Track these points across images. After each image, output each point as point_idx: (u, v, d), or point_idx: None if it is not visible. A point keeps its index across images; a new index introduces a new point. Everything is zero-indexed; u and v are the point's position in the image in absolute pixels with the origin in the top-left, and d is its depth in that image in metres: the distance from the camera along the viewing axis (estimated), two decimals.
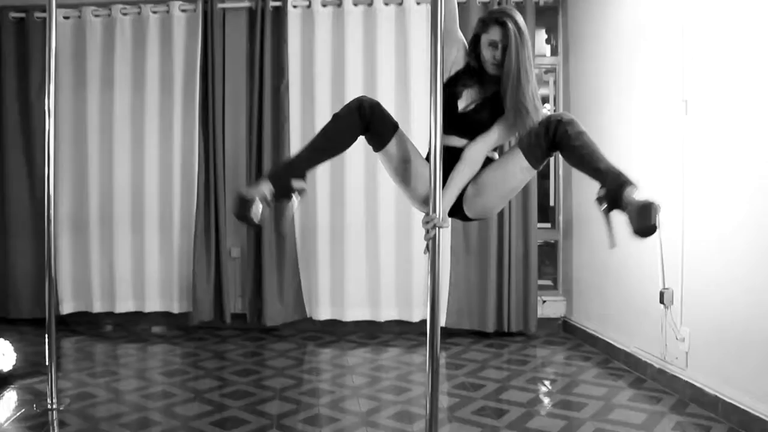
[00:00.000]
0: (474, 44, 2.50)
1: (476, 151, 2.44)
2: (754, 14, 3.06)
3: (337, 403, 3.49)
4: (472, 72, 2.52)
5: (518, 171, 2.41)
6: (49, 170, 3.42)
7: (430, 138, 2.28)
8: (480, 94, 2.48)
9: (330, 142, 2.43)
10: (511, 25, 2.35)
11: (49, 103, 3.42)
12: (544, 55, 5.54)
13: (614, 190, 2.18)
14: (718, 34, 3.33)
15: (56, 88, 3.47)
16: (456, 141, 2.46)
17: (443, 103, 2.34)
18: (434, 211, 2.25)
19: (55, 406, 3.34)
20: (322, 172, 5.08)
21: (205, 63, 5.16)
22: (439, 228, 2.26)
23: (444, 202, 2.33)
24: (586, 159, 2.28)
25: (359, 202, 5.06)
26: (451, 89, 2.49)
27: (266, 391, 3.67)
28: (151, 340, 4.89)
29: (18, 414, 3.24)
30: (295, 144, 5.09)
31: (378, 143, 2.46)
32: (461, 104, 2.48)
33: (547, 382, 3.94)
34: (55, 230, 3.41)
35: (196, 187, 5.13)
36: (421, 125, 4.98)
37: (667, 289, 3.71)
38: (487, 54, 2.43)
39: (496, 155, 2.55)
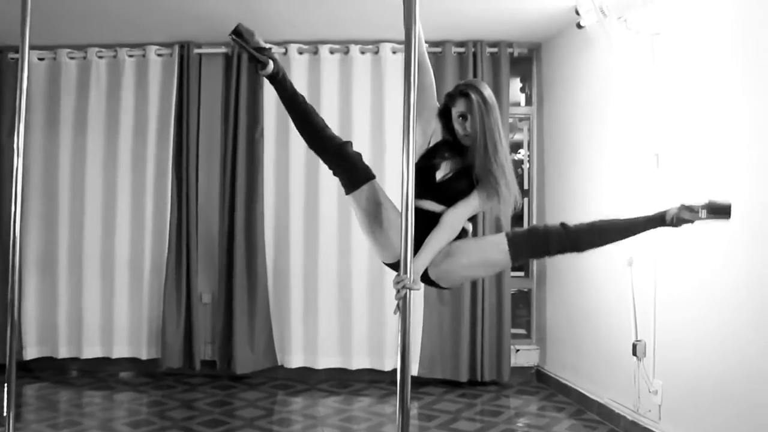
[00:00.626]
0: (445, 117, 2.49)
1: (456, 216, 2.40)
2: (723, 71, 3.13)
3: None
4: (450, 143, 2.49)
5: (495, 250, 2.40)
6: (16, 210, 3.33)
7: (402, 194, 2.24)
8: (457, 164, 2.45)
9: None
10: (474, 96, 2.35)
11: (19, 142, 3.35)
12: (519, 104, 5.60)
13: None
14: (688, 89, 3.40)
15: (28, 128, 3.44)
16: (433, 206, 2.42)
17: (422, 172, 2.33)
18: (405, 272, 2.21)
19: None
20: (295, 218, 5.05)
21: (180, 108, 5.15)
22: (409, 290, 2.20)
23: (417, 263, 2.27)
24: (610, 232, 2.64)
25: (332, 249, 5.03)
26: (429, 160, 2.46)
27: None
28: (117, 388, 4.77)
29: None
30: (269, 192, 5.07)
31: (351, 180, 2.44)
32: (439, 174, 2.44)
33: None
34: (21, 272, 3.34)
35: (167, 231, 5.07)
36: (395, 173, 4.98)
37: (639, 341, 3.71)
38: (458, 126, 2.43)
39: (470, 226, 2.52)
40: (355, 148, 4.89)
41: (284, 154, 5.10)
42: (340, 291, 5.00)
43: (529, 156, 5.48)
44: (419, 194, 2.31)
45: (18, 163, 3.37)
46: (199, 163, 5.17)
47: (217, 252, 5.16)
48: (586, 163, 4.49)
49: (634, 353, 3.72)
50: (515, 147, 5.64)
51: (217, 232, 5.17)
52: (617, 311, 3.97)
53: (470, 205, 2.42)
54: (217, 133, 5.21)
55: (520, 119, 5.65)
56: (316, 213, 5.03)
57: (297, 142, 5.07)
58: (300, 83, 5.07)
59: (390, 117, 5.02)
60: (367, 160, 5.05)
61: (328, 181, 5.01)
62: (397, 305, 2.19)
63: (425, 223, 2.37)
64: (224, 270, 5.08)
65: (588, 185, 4.45)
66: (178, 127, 5.15)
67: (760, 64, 2.89)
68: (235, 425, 3.93)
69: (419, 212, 2.31)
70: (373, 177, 2.44)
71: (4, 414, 3.28)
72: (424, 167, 2.42)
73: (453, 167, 2.45)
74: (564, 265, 4.73)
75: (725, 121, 3.11)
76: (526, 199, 5.42)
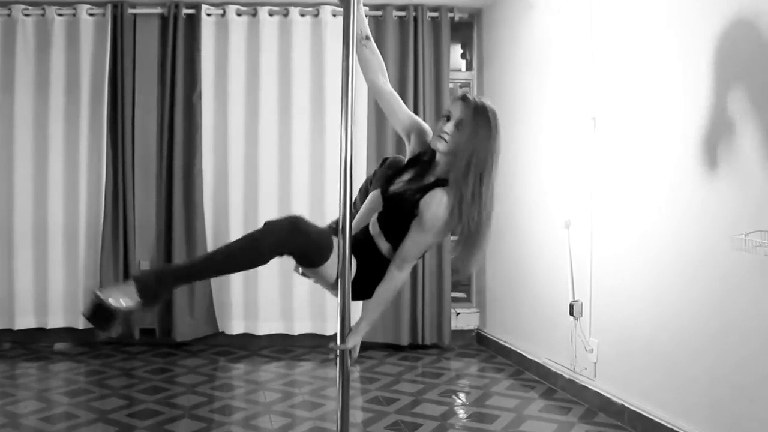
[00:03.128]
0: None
1: (388, 290, 2.26)
2: (659, 35, 3.18)
3: (248, 421, 3.41)
4: (422, 161, 2.35)
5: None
6: None
7: (341, 164, 2.21)
8: (414, 184, 2.29)
9: (235, 265, 2.20)
10: (473, 100, 2.22)
11: None
12: (459, 70, 5.61)
13: None
14: (624, 54, 3.45)
15: None
16: (376, 232, 2.29)
17: (383, 175, 2.30)
18: (342, 341, 2.19)
19: None
20: (234, 182, 4.99)
21: (114, 69, 4.98)
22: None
23: (356, 337, 2.21)
24: None
25: (272, 212, 4.98)
26: (393, 171, 2.36)
27: (176, 410, 3.55)
28: (53, 359, 4.65)
29: None
30: (208, 154, 4.98)
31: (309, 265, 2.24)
32: (393, 187, 2.32)
33: (461, 395, 3.97)
34: None
35: (103, 196, 4.93)
36: (335, 138, 4.96)
37: (576, 301, 3.81)
38: (438, 125, 2.25)
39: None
40: (294, 113, 4.88)
41: (222, 117, 5.01)
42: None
43: None
44: (373, 185, 2.30)
45: None
46: (135, 128, 5.04)
47: (154, 218, 5.06)
48: (526, 127, 4.54)
49: (571, 313, 3.81)
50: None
51: (154, 198, 5.06)
52: (555, 273, 4.06)
53: (417, 242, 2.22)
54: (154, 97, 5.08)
55: (461, 85, 5.67)
56: (255, 176, 4.98)
57: (236, 105, 5.01)
58: (238, 46, 5.00)
59: (330, 82, 4.97)
60: (306, 127, 5.05)
61: (269, 144, 4.98)
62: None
63: (364, 240, 2.28)
64: (162, 236, 5.00)
65: (527, 149, 4.51)
66: (113, 90, 4.99)
67: (693, 32, 2.94)
68: (177, 392, 3.89)
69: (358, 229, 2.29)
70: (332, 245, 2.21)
71: None
72: (387, 173, 2.35)
73: (408, 185, 2.29)
74: (503, 229, 4.79)
75: (660, 86, 3.17)
76: None
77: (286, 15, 5.04)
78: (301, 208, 4.93)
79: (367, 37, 2.45)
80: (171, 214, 4.96)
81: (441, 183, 2.20)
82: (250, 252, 2.10)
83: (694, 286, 2.93)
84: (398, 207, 2.24)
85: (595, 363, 3.68)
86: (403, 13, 5.08)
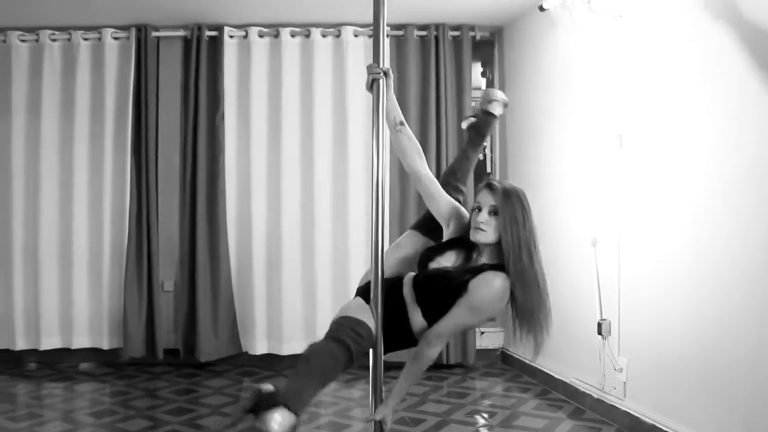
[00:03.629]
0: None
1: (419, 368, 2.32)
2: (684, 53, 3.17)
3: None
4: (462, 243, 2.39)
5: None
6: None
7: (372, 188, 2.23)
8: (456, 261, 2.35)
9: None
10: (499, 186, 2.25)
11: None
12: (479, 88, 5.60)
13: None
14: (650, 71, 3.43)
15: None
16: (408, 293, 2.32)
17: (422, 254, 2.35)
18: (373, 412, 2.27)
19: None
20: (258, 203, 5.00)
21: (138, 92, 5.03)
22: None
23: (384, 410, 2.27)
24: None
25: (296, 234, 4.99)
26: (426, 253, 2.38)
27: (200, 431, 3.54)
28: (78, 379, 4.66)
29: None
30: (231, 176, 5.00)
31: None
32: (433, 264, 2.34)
33: (486, 415, 3.92)
34: None
35: (127, 218, 4.96)
36: (358, 160, 4.98)
37: (604, 320, 3.76)
38: (472, 218, 2.30)
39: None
40: (317, 133, 4.93)
41: (245, 138, 5.04)
42: (303, 276, 4.97)
43: (491, 151, 5.49)
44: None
45: None
46: (159, 149, 5.07)
47: (178, 239, 5.07)
48: (549, 145, 4.52)
49: (599, 332, 3.77)
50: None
51: (177, 219, 5.09)
52: (581, 292, 4.01)
53: (458, 320, 2.26)
54: (177, 118, 5.11)
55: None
56: (278, 198, 4.99)
57: (258, 126, 5.03)
58: (260, 68, 5.04)
59: (352, 101, 4.99)
60: (328, 148, 5.06)
61: (291, 165, 4.99)
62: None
63: (394, 300, 2.30)
64: (186, 257, 5.01)
65: (551, 168, 4.48)
66: (137, 112, 5.04)
67: (719, 48, 2.93)
68: (202, 413, 3.88)
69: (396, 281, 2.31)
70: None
71: None
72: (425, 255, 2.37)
73: (450, 262, 2.34)
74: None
75: (686, 102, 3.15)
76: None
77: (307, 36, 5.07)
78: (324, 227, 4.93)
79: (401, 123, 2.46)
80: (195, 234, 4.97)
81: (490, 267, 2.24)
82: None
83: (728, 302, 2.88)
84: (445, 284, 2.24)
85: (624, 382, 3.62)
86: (424, 33, 5.09)
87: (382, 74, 2.30)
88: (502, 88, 5.34)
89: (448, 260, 2.35)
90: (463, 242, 2.36)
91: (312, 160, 5.00)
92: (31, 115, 5.03)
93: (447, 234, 2.44)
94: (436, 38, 5.09)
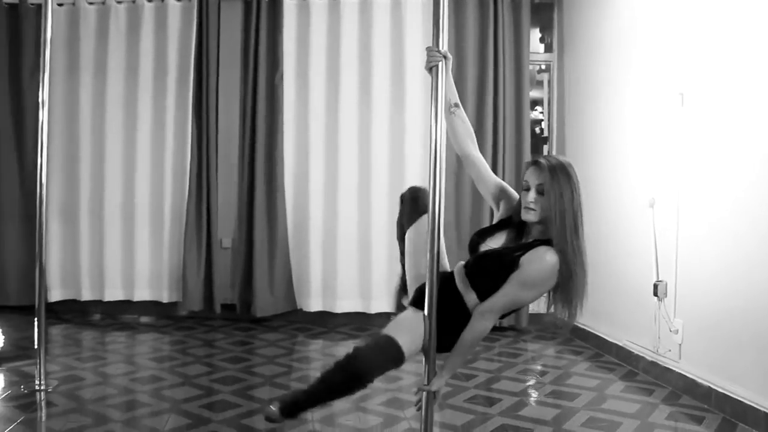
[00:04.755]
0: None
1: (470, 341, 2.29)
2: (749, 7, 3.08)
3: None
4: (512, 224, 2.37)
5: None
6: (42, 161, 3.40)
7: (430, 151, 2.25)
8: (506, 242, 2.33)
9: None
10: (545, 162, 2.23)
11: (43, 94, 3.40)
12: (539, 53, 5.54)
13: None
14: (713, 28, 3.35)
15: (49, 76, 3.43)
16: (465, 288, 2.32)
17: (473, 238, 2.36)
18: (428, 383, 2.27)
19: (42, 387, 3.29)
20: (315, 162, 5.07)
21: (200, 53, 5.13)
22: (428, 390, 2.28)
23: (439, 381, 2.29)
24: None
25: (352, 193, 5.05)
26: (478, 234, 2.40)
27: (256, 378, 3.64)
28: (139, 329, 4.84)
29: (5, 395, 3.19)
30: (289, 136, 5.08)
31: None
32: (482, 248, 2.34)
33: (538, 374, 3.93)
34: (47, 219, 3.41)
35: (188, 176, 5.09)
36: (415, 121, 4.99)
37: (660, 281, 3.71)
38: (522, 198, 2.28)
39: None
40: (374, 94, 4.94)
41: (304, 99, 5.10)
42: (359, 235, 5.03)
43: (548, 116, 5.43)
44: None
45: (43, 115, 3.42)
46: (219, 109, 5.17)
47: (236, 197, 5.18)
48: (608, 108, 4.45)
49: (655, 294, 3.72)
50: (533, 104, 5.59)
51: (236, 177, 5.19)
52: (638, 254, 3.97)
53: (496, 304, 2.24)
54: (237, 80, 5.20)
55: (539, 71, 5.61)
56: (335, 157, 5.05)
57: (317, 87, 5.08)
58: (319, 29, 5.08)
59: (410, 62, 5.01)
60: (386, 108, 5.07)
61: (349, 125, 5.04)
62: (418, 404, 2.31)
63: (447, 289, 2.32)
64: (244, 215, 5.11)
65: (610, 130, 4.42)
66: (198, 74, 5.14)
67: None
68: (257, 362, 3.98)
69: (444, 278, 2.32)
70: None
71: (35, 347, 3.38)
72: (473, 237, 2.38)
73: (501, 243, 2.34)
74: (585, 209, 4.71)
75: (751, 59, 3.06)
76: (545, 147, 5.41)
77: None
78: (380, 190, 4.98)
79: (456, 105, 2.45)
80: (253, 194, 5.07)
81: (540, 243, 2.23)
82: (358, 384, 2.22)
83: None
84: (498, 262, 2.24)
85: (679, 344, 3.58)
86: None
87: (441, 57, 2.29)
88: (561, 51, 5.29)
89: (497, 242, 2.34)
90: (512, 222, 2.36)
91: (369, 120, 5.04)
92: (98, 75, 5.19)
93: (498, 216, 2.45)
94: (495, 1, 5.05)
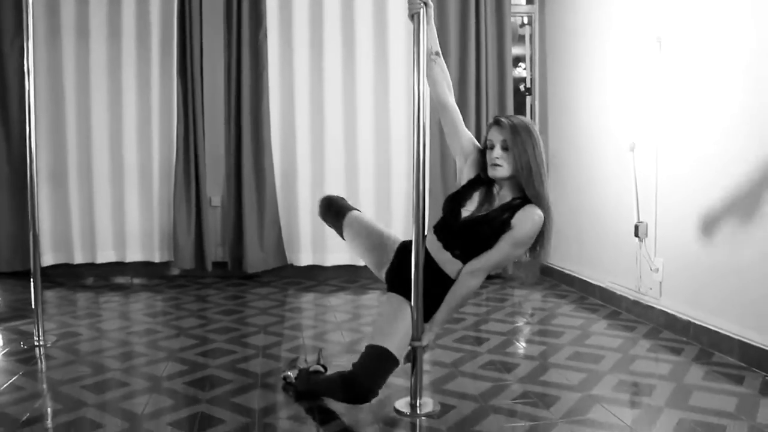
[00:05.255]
0: (482, 155, 2.44)
1: (460, 296, 2.37)
2: None
3: (320, 335, 3.56)
4: (482, 182, 2.44)
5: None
6: (31, 130, 3.43)
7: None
8: (486, 207, 2.39)
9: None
10: (506, 121, 2.33)
11: (28, 62, 3.41)
12: (520, 4, 5.57)
13: None
14: None
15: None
16: (445, 258, 2.39)
17: (445, 214, 2.42)
18: (418, 336, 2.38)
19: (42, 343, 3.37)
20: (301, 119, 5.11)
21: (182, 12, 5.11)
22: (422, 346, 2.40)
23: (428, 335, 2.39)
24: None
25: (339, 149, 5.11)
26: (455, 201, 2.43)
27: (250, 327, 3.73)
28: (132, 288, 4.90)
29: (5, 351, 3.27)
30: (275, 93, 5.11)
31: None
32: (464, 213, 2.40)
33: (525, 316, 4.04)
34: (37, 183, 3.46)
35: (175, 136, 5.12)
36: (399, 76, 5.03)
37: (641, 222, 3.81)
38: (487, 156, 2.37)
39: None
40: (358, 49, 5.01)
41: (288, 55, 5.12)
42: (346, 190, 5.09)
43: (530, 71, 5.47)
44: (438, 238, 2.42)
45: (29, 83, 3.42)
46: (204, 68, 5.17)
47: (224, 155, 5.22)
48: (590, 56, 4.51)
49: (636, 235, 3.83)
50: (516, 61, 5.62)
51: (223, 137, 5.23)
52: (620, 197, 4.07)
53: (491, 259, 2.33)
54: (221, 38, 5.20)
55: (521, 25, 5.64)
56: (321, 111, 5.10)
57: (300, 44, 5.10)
58: None
59: (393, 19, 5.03)
60: (370, 65, 5.08)
61: (333, 82, 5.07)
62: (408, 355, 2.43)
63: (431, 273, 2.40)
64: (232, 173, 5.16)
65: (591, 79, 4.49)
66: (181, 33, 5.12)
67: None
68: (250, 313, 4.08)
69: (428, 257, 2.40)
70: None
71: (32, 306, 3.45)
72: (450, 206, 2.42)
73: (479, 209, 2.39)
74: (568, 161, 4.80)
75: (728, 3, 3.12)
76: (528, 98, 5.47)
77: None
78: (365, 144, 5.04)
79: (437, 53, 2.50)
80: (240, 151, 5.11)
81: (521, 200, 2.32)
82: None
83: (762, 199, 2.91)
84: (489, 228, 2.31)
85: (660, 282, 3.69)
86: None
87: (422, 5, 2.36)
88: (542, 4, 5.32)
89: (474, 202, 2.42)
90: (481, 181, 2.44)
91: (354, 73, 5.08)
92: (80, 38, 5.16)
93: (464, 172, 2.50)
94: None
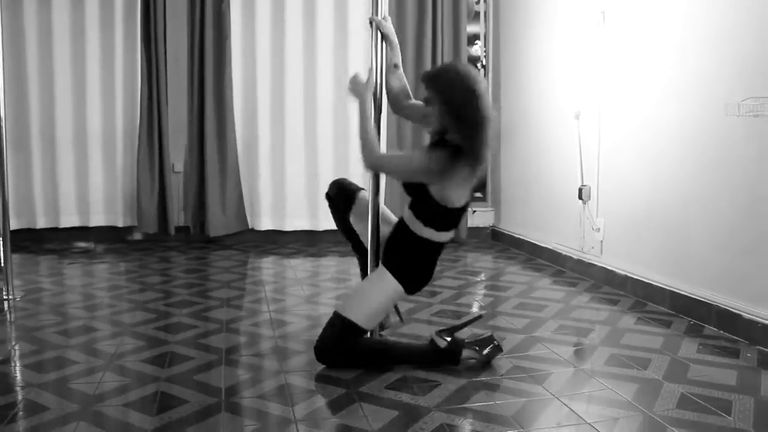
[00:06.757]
0: None
1: (367, 138, 2.50)
2: None
3: (282, 289, 3.75)
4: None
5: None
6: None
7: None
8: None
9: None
10: (424, 75, 2.40)
11: None
12: None
13: None
14: None
15: None
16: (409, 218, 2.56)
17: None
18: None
19: (11, 297, 3.48)
20: (263, 86, 5.24)
21: None
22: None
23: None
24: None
25: (299, 117, 5.25)
26: None
27: (214, 283, 3.90)
28: (96, 251, 5.00)
29: None
30: (237, 60, 5.22)
31: None
32: None
33: (475, 274, 4.27)
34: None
35: (138, 102, 5.20)
36: (358, 42, 5.19)
37: (585, 185, 4.06)
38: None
39: None
40: (319, 17, 5.15)
41: (250, 25, 5.23)
42: (306, 157, 5.26)
43: (486, 51, 5.68)
44: None
45: None
46: (168, 36, 5.23)
47: (187, 122, 5.32)
48: (540, 30, 4.73)
49: (580, 197, 4.08)
50: (472, 38, 5.81)
51: (186, 103, 5.31)
52: (566, 163, 4.31)
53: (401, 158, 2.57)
54: (184, 5, 5.26)
55: (477, 2, 5.82)
56: (281, 77, 5.24)
57: (263, 14, 5.21)
58: None
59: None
60: (329, 32, 5.20)
61: (294, 49, 5.21)
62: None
63: (402, 235, 2.61)
64: (195, 140, 5.26)
65: (540, 51, 4.71)
66: (145, 1, 5.19)
67: None
68: (213, 272, 4.24)
69: None
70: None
71: (1, 265, 3.56)
72: None
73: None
74: (519, 128, 5.03)
75: None
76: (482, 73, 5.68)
77: None
78: (326, 107, 5.19)
79: (396, 66, 2.65)
80: (203, 118, 5.21)
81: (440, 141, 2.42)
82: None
83: (690, 158, 3.18)
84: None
85: (601, 241, 3.95)
86: None
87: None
88: None
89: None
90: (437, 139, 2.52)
91: (314, 43, 5.22)
92: (43, 4, 5.18)
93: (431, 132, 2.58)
94: None
